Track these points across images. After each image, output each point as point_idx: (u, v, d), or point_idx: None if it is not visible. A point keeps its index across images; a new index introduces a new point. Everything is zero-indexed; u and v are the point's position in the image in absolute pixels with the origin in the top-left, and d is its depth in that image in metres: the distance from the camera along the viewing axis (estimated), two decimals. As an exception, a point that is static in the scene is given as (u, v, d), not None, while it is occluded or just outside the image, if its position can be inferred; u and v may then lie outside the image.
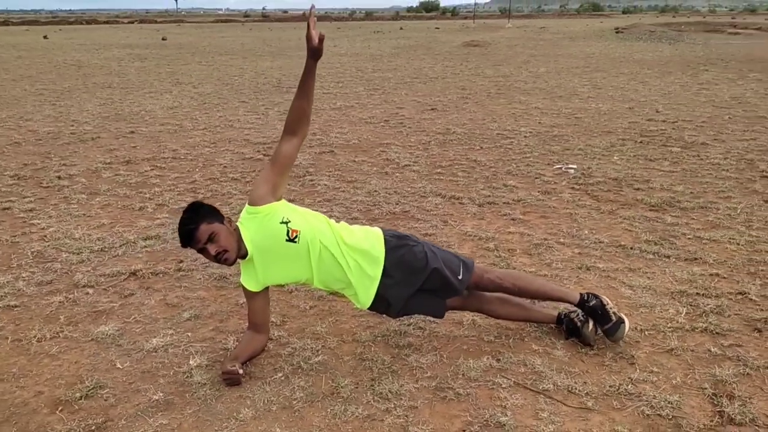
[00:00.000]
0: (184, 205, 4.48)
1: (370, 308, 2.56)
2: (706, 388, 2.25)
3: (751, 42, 19.29)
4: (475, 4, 72.49)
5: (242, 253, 2.42)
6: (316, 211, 2.60)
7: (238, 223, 2.45)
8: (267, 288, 2.54)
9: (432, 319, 2.76)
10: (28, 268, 3.49)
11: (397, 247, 2.49)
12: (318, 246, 2.40)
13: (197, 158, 6.03)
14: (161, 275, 3.40)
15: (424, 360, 2.51)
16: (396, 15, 54.23)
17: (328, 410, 2.22)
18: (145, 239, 3.91)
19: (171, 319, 2.91)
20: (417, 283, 2.49)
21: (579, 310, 2.61)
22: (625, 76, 11.37)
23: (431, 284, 2.50)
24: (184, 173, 5.49)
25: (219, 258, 2.35)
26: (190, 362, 2.54)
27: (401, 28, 32.10)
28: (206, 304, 3.06)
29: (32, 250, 3.74)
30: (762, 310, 2.80)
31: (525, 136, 6.55)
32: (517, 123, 7.28)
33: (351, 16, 54.84)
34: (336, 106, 8.89)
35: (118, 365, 2.55)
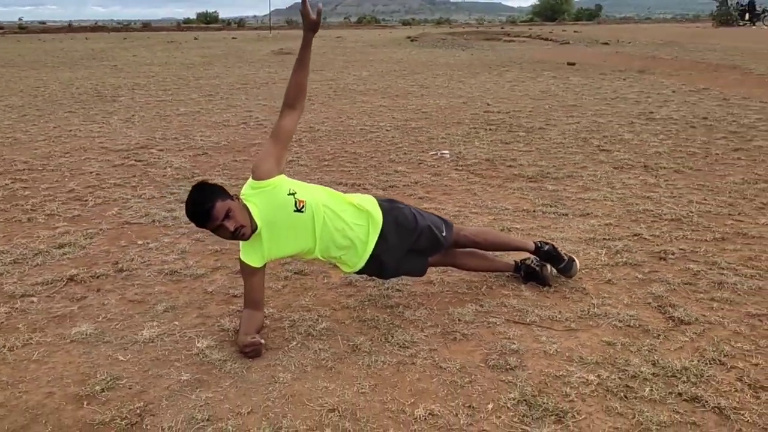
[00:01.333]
0: (79, 213, 4.29)
1: (360, 271, 2.77)
2: (650, 303, 2.81)
3: (527, 47, 21.89)
4: (254, 16, 72.21)
5: (252, 228, 2.50)
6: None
7: (243, 199, 2.53)
8: (265, 264, 2.64)
9: (408, 280, 3.03)
10: (-58, 285, 3.14)
11: (390, 209, 2.74)
12: (322, 213, 2.57)
13: (59, 168, 5.62)
14: (104, 277, 3.26)
15: (418, 314, 2.78)
16: (179, 26, 52.29)
17: (359, 363, 2.40)
18: (60, 247, 3.67)
19: (146, 313, 2.85)
20: (409, 243, 2.76)
21: (532, 257, 3.05)
22: (443, 77, 12.40)
23: (421, 243, 2.78)
24: (54, 183, 5.11)
25: (237, 233, 2.42)
26: (198, 344, 2.55)
27: (196, 38, 31.28)
28: (173, 296, 3.03)
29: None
30: (657, 244, 3.48)
31: (387, 130, 7.01)
32: (373, 119, 7.72)
33: (126, 27, 51.87)
34: (181, 112, 8.66)
35: (121, 357, 2.48)
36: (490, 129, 6.86)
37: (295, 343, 2.57)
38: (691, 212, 3.98)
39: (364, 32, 43.24)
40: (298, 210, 2.53)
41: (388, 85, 11.20)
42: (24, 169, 5.57)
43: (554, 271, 3.00)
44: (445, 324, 2.68)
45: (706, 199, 4.25)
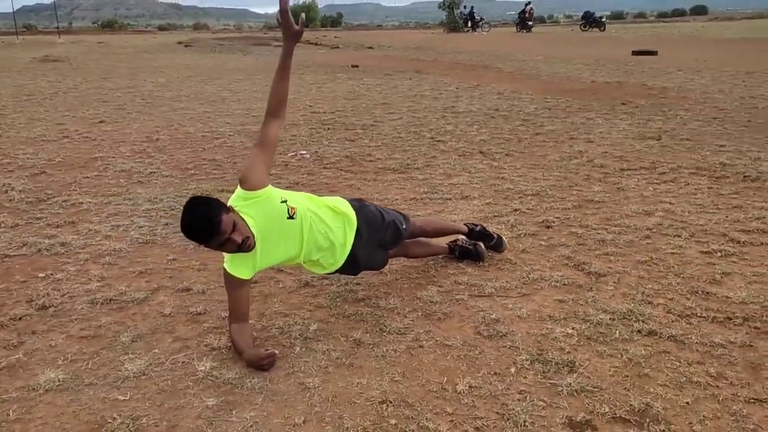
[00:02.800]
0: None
1: (338, 270, 2.72)
2: (567, 263, 3.18)
3: (304, 51, 22.06)
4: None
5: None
6: None
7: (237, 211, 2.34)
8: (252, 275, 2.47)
9: (363, 274, 3.02)
10: None
11: (360, 208, 2.72)
12: (309, 218, 2.48)
13: None
14: (28, 318, 2.74)
15: (392, 302, 2.81)
16: None
17: (373, 355, 2.38)
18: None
19: (113, 348, 2.48)
20: (377, 239, 2.77)
21: (462, 238, 3.25)
22: (245, 81, 12.04)
23: (386, 238, 2.81)
24: None
25: (243, 245, 2.23)
26: (199, 368, 2.31)
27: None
28: (129, 326, 2.66)
29: None
30: (536, 216, 3.89)
31: (230, 135, 6.70)
32: (207, 125, 7.30)
33: None
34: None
35: (120, 397, 2.16)
36: (328, 129, 6.92)
37: (298, 348, 2.44)
38: (543, 187, 4.51)
39: (125, 38, 39.85)
40: (290, 217, 2.41)
41: (197, 91, 10.60)
42: None
43: (485, 247, 3.22)
44: (421, 307, 2.75)
45: (544, 176, 4.83)
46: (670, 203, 4.07)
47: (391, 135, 6.46)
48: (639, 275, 3.01)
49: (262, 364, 2.26)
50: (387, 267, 3.12)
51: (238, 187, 2.39)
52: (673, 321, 2.56)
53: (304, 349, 2.43)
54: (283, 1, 2.40)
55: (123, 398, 2.14)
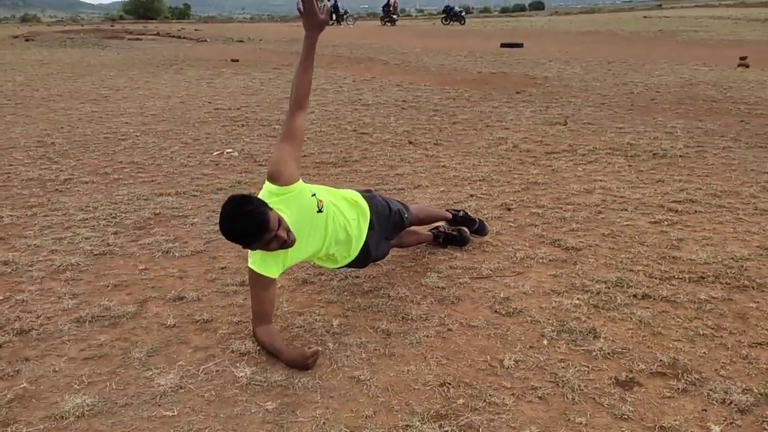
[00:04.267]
0: None
1: (349, 263, 2.75)
2: (543, 241, 3.43)
3: (168, 45, 21.00)
4: None
5: None
6: None
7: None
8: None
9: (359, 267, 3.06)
10: None
11: (370, 199, 2.76)
12: (332, 211, 2.49)
13: None
14: (10, 345, 2.49)
15: (400, 291, 2.88)
16: None
17: (407, 342, 2.45)
18: None
19: (129, 366, 2.33)
20: (386, 229, 2.83)
21: (444, 224, 3.39)
22: (120, 78, 11.19)
23: (393, 226, 2.87)
24: None
25: (288, 240, 2.20)
26: (239, 374, 2.25)
27: None
28: (135, 341, 2.50)
29: None
30: (493, 199, 4.12)
31: (138, 136, 6.30)
32: (104, 126, 6.79)
33: None
34: None
35: (167, 413, 2.06)
36: (243, 125, 6.74)
37: (332, 344, 2.45)
38: (486, 173, 4.77)
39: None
40: (320, 210, 2.41)
41: (70, 90, 9.76)
42: None
43: (469, 232, 3.38)
44: (430, 293, 2.85)
45: (481, 162, 5.11)
46: (603, 181, 4.50)
47: (313, 129, 6.43)
48: (609, 247, 3.33)
49: (307, 363, 2.24)
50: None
51: (267, 182, 2.34)
52: (658, 284, 2.88)
53: (337, 345, 2.44)
54: None
55: (171, 414, 2.04)
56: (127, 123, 6.98)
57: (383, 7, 38.29)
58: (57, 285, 2.99)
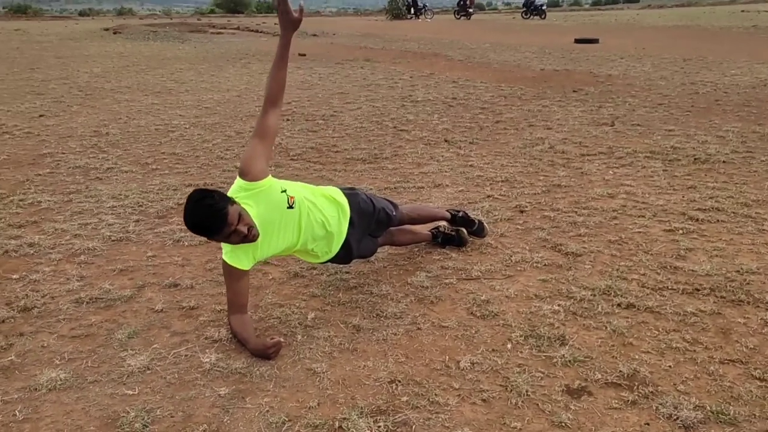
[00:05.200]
0: None
1: (331, 259, 2.84)
2: (544, 246, 3.39)
3: (244, 39, 21.81)
4: None
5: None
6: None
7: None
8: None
9: (356, 262, 3.14)
10: None
11: (352, 196, 2.84)
12: (306, 207, 2.58)
13: None
14: (11, 320, 2.74)
15: (384, 289, 2.94)
16: None
17: (374, 339, 2.52)
18: None
19: (109, 345, 2.53)
20: (369, 225, 2.90)
21: (444, 224, 3.41)
22: (189, 71, 11.77)
23: (376, 225, 2.94)
24: None
25: (249, 235, 2.32)
26: (204, 360, 2.39)
27: None
28: (122, 323, 2.70)
29: None
30: (509, 201, 4.10)
31: (186, 128, 6.65)
32: (159, 118, 7.21)
33: None
34: None
35: (129, 392, 2.22)
36: (288, 120, 6.96)
37: (300, 336, 2.55)
38: (511, 173, 4.73)
39: (44, 24, 38.09)
40: (290, 207, 2.51)
41: (138, 82, 10.37)
42: None
43: (467, 233, 3.39)
44: (413, 292, 2.90)
45: (511, 162, 5.06)
46: (630, 186, 4.36)
47: (353, 125, 6.57)
48: (612, 254, 3.25)
49: (268, 353, 2.35)
50: (374, 255, 3.25)
51: (238, 178, 2.46)
52: (648, 294, 2.81)
53: (305, 337, 2.54)
54: None
55: (132, 393, 2.20)
56: (180, 115, 7.37)
57: (459, 0, 37.96)
58: (70, 267, 3.25)
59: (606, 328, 2.53)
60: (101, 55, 15.74)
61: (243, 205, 2.39)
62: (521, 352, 2.39)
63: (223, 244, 2.49)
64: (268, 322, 2.67)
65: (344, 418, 2.04)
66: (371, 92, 8.76)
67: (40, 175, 5.00)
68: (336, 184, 3.68)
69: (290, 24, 2.51)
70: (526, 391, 2.14)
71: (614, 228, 3.60)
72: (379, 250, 3.27)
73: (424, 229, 3.41)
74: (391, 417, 2.04)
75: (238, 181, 2.46)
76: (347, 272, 3.12)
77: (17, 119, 7.31)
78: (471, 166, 4.98)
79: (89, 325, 2.68)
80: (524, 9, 36.74)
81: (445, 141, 5.82)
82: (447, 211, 3.39)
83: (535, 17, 34.67)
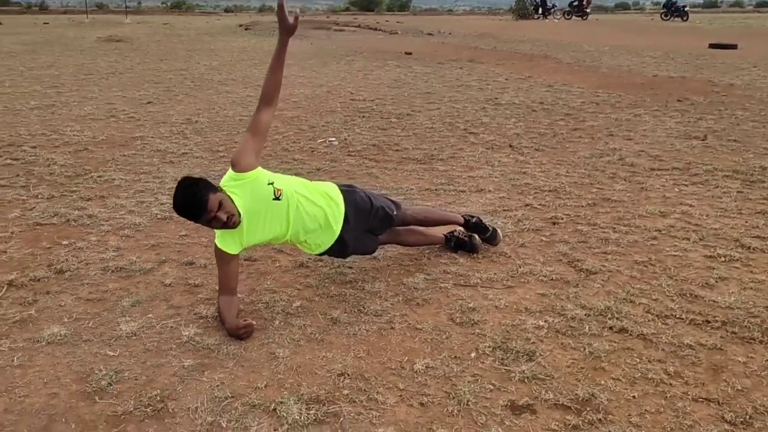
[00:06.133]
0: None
1: (323, 252, 2.95)
2: (561, 260, 3.29)
3: (360, 37, 22.47)
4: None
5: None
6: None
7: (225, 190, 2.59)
8: (240, 251, 2.73)
9: (356, 258, 3.24)
10: None
11: (349, 194, 2.94)
12: (296, 200, 2.71)
13: None
14: (45, 280, 3.10)
15: (377, 286, 3.01)
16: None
17: (345, 333, 2.60)
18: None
19: (113, 310, 2.80)
20: (366, 223, 2.98)
21: (459, 229, 3.41)
22: (295, 66, 12.29)
23: (375, 223, 3.01)
24: None
25: (228, 222, 2.49)
26: (184, 333, 2.59)
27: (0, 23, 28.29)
28: (132, 292, 2.98)
29: None
30: (546, 212, 4.00)
31: (267, 120, 7.02)
32: (246, 109, 7.67)
33: None
34: (33, 106, 7.94)
35: (110, 353, 2.46)
36: (363, 117, 7.15)
37: (278, 322, 2.69)
38: (562, 183, 4.59)
39: (190, 19, 41.36)
40: (276, 198, 2.65)
41: (245, 75, 11.05)
42: None
43: (480, 240, 3.37)
44: (403, 292, 2.95)
45: (569, 172, 4.90)
46: (691, 205, 4.09)
47: (424, 125, 6.63)
48: (631, 275, 3.10)
49: (239, 333, 2.52)
50: (381, 253, 3.33)
51: (230, 168, 2.65)
52: (648, 320, 2.66)
53: (282, 323, 2.68)
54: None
55: (112, 354, 2.45)
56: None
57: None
58: (113, 239, 3.62)
59: (584, 349, 2.45)
60: (225, 49, 16.87)
61: (230, 194, 2.57)
62: (483, 362, 2.38)
63: (216, 230, 2.68)
64: (255, 306, 2.84)
65: (281, 402, 2.15)
66: (458, 93, 8.76)
67: (125, 155, 5.53)
68: (355, 182, 3.79)
69: (285, 30, 2.66)
70: (468, 401, 2.14)
71: (648, 248, 3.42)
72: (388, 249, 3.35)
73: (438, 231, 3.43)
74: (324, 407, 2.12)
75: (229, 171, 2.65)
76: (350, 267, 3.22)
77: (128, 105, 8.08)
78: (524, 173, 4.88)
79: (105, 291, 2.98)
80: (664, 10, 34.67)
81: (510, 146, 5.73)
82: (461, 215, 3.39)
83: (676, 19, 32.61)
